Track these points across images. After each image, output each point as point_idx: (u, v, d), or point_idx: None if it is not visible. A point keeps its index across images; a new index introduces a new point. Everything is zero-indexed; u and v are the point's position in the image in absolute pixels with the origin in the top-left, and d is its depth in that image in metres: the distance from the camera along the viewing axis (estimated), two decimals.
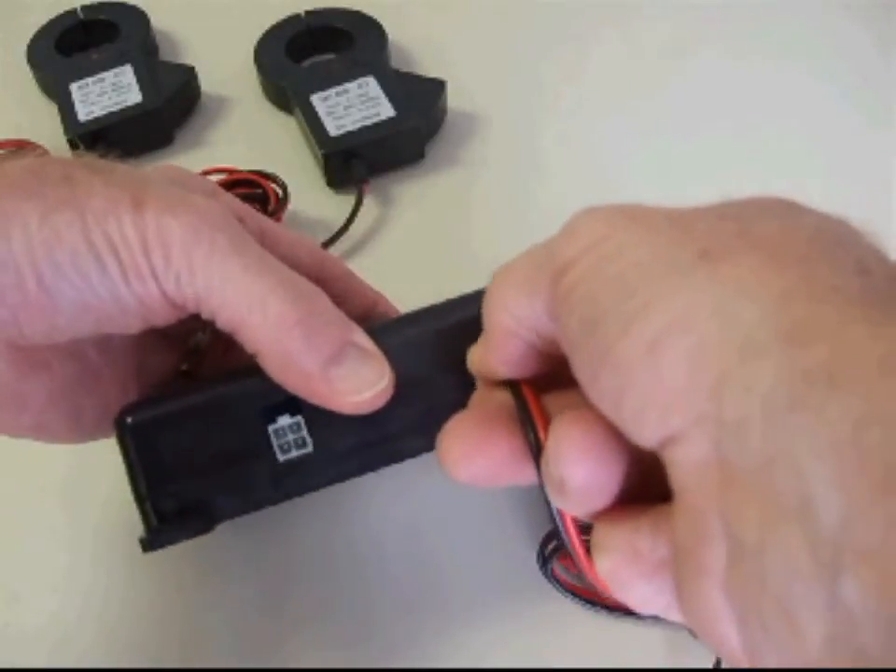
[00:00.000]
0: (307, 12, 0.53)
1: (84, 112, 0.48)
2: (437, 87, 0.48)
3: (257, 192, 0.44)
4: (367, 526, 0.34)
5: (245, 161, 0.45)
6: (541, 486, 0.20)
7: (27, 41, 0.54)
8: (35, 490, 0.36)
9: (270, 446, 0.26)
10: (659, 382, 0.16)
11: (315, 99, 0.47)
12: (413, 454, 0.26)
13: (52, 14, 0.55)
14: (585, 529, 0.20)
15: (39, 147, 0.47)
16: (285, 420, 0.26)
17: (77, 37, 0.54)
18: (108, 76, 0.50)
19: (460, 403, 0.24)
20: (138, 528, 0.26)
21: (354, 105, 0.46)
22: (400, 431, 0.26)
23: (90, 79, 0.50)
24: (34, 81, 0.54)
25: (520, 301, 0.20)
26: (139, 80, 0.49)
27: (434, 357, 0.25)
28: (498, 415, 0.21)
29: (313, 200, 0.46)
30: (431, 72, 0.49)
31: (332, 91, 0.47)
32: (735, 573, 0.15)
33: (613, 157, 0.46)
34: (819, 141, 0.45)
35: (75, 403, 0.27)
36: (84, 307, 0.23)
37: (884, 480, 0.13)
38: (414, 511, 0.34)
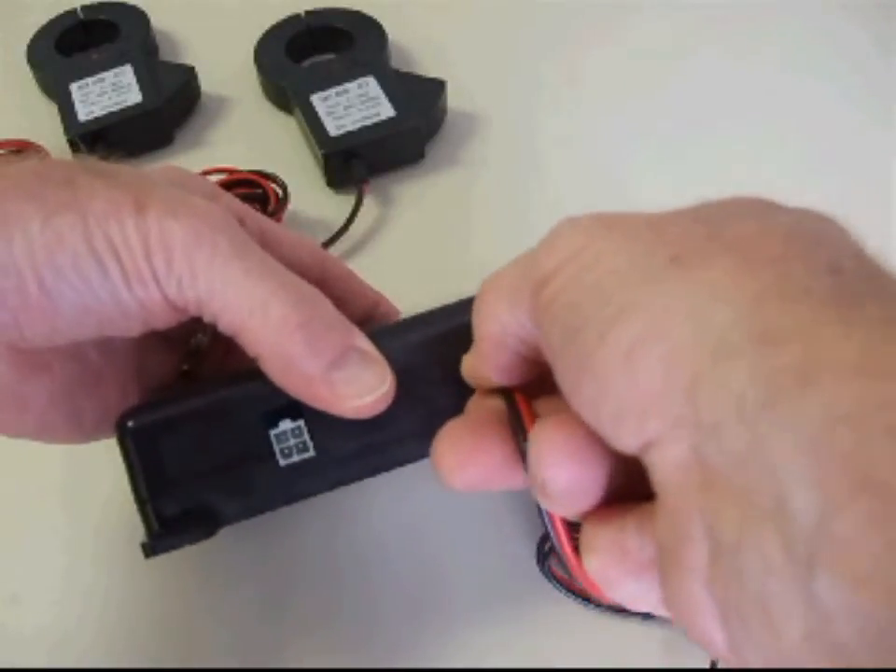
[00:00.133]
0: (307, 12, 0.53)
1: (84, 112, 0.48)
2: (437, 87, 0.48)
3: (257, 192, 0.44)
4: (367, 529, 0.34)
5: (245, 161, 0.45)
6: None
7: (27, 41, 0.54)
8: (35, 491, 0.36)
9: (271, 450, 0.26)
10: (635, 388, 0.16)
11: (315, 99, 0.47)
12: (415, 458, 0.26)
13: (52, 14, 0.55)
14: (576, 528, 0.20)
15: (39, 147, 0.47)
16: (286, 424, 0.26)
17: (77, 37, 0.54)
18: (108, 76, 0.50)
19: (461, 408, 0.24)
20: (139, 530, 0.26)
21: (354, 105, 0.46)
22: (402, 435, 0.26)
23: (90, 79, 0.50)
24: (34, 81, 0.54)
25: (505, 310, 0.21)
26: (139, 80, 0.49)
27: (435, 361, 0.25)
28: (490, 422, 0.22)
29: (313, 200, 0.46)
30: (431, 72, 0.49)
31: (332, 91, 0.47)
32: (716, 571, 0.16)
33: (613, 157, 0.46)
34: (819, 141, 0.45)
35: (75, 404, 0.27)
36: (85, 310, 0.23)
37: (857, 478, 0.13)
38: (414, 513, 0.34)
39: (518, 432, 0.21)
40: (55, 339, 0.24)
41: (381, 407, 0.25)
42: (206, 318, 0.24)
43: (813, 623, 0.14)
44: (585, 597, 0.31)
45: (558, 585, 0.31)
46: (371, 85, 0.47)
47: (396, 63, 0.51)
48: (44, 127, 0.49)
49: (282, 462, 0.26)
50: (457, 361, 0.24)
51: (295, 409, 0.25)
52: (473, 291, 0.26)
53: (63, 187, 0.23)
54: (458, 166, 0.47)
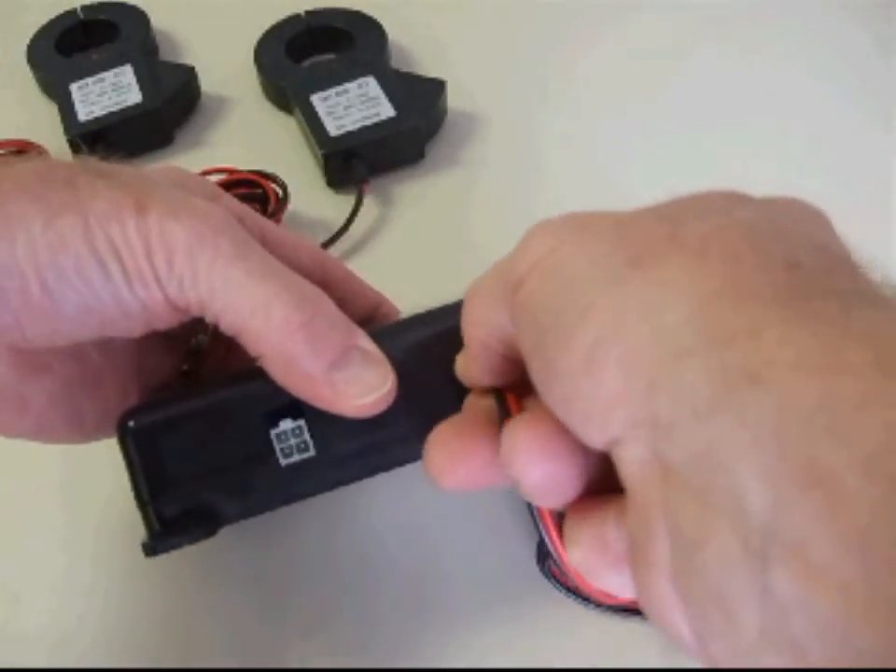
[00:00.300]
0: (307, 12, 0.53)
1: (84, 112, 0.48)
2: (437, 87, 0.48)
3: (257, 192, 0.44)
4: (367, 529, 0.34)
5: (245, 161, 0.45)
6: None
7: (27, 41, 0.54)
8: (35, 491, 0.36)
9: (272, 450, 0.26)
10: (598, 389, 0.17)
11: (315, 99, 0.47)
12: (416, 457, 0.26)
13: (52, 14, 0.55)
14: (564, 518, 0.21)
15: (40, 147, 0.47)
16: (287, 424, 0.26)
17: (76, 37, 0.54)
18: (108, 76, 0.50)
19: (461, 408, 0.24)
20: (139, 529, 0.26)
21: (354, 105, 0.46)
22: (402, 435, 0.26)
23: (90, 79, 0.50)
24: (34, 81, 0.54)
25: (487, 314, 0.21)
26: (139, 80, 0.49)
27: (436, 360, 0.25)
28: (479, 422, 0.22)
29: (313, 200, 0.46)
30: (431, 72, 0.49)
31: (332, 90, 0.47)
32: (678, 566, 0.16)
33: (613, 157, 0.46)
34: (819, 141, 0.45)
35: (75, 404, 0.27)
36: (87, 311, 0.23)
37: (807, 472, 0.14)
38: (414, 513, 0.34)
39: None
40: (56, 340, 0.24)
41: (382, 406, 0.25)
42: (208, 318, 0.24)
43: (768, 616, 0.14)
44: (585, 597, 0.31)
45: (558, 585, 0.31)
46: (370, 85, 0.47)
47: (396, 63, 0.51)
48: (44, 127, 0.49)
49: (282, 462, 0.26)
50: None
51: (296, 408, 0.25)
52: None
53: (64, 188, 0.23)
54: (458, 166, 0.47)
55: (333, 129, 0.45)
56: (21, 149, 0.47)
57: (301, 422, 0.26)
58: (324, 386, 0.24)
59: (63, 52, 0.53)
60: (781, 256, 0.17)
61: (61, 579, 0.34)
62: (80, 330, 0.24)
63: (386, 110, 0.46)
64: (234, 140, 0.50)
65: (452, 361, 0.24)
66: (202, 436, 0.26)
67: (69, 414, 0.27)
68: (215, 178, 0.43)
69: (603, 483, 0.19)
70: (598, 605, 0.31)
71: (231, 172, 0.44)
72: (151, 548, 0.26)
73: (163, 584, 0.33)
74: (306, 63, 0.52)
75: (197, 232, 0.23)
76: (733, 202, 0.19)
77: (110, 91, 0.49)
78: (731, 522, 0.15)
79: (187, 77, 0.51)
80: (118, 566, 0.33)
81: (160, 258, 0.23)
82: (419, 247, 0.44)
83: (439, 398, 0.25)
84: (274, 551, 0.33)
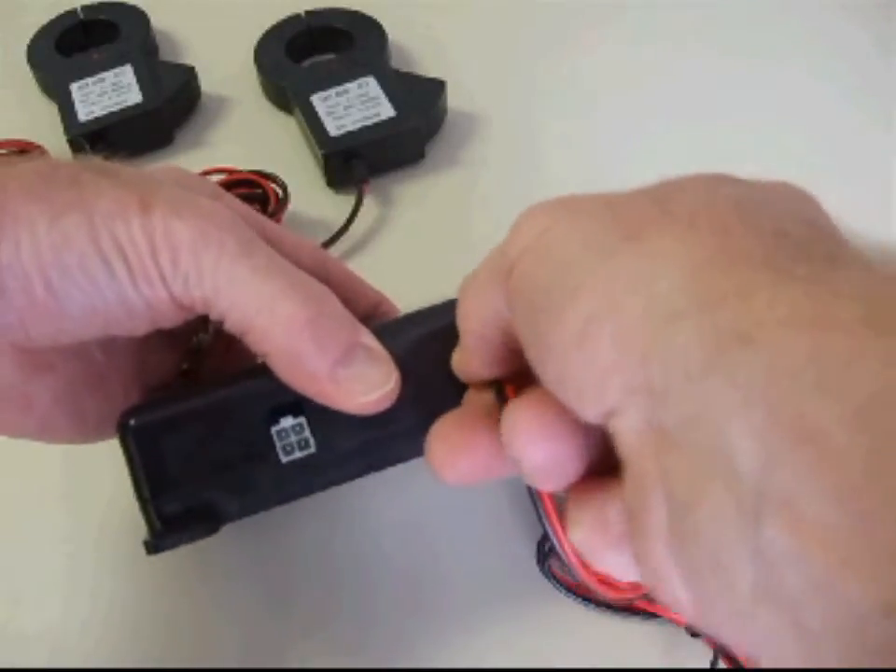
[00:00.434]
0: (307, 12, 0.53)
1: (84, 112, 0.48)
2: (437, 87, 0.48)
3: (257, 192, 0.44)
4: (367, 528, 0.34)
5: (245, 161, 0.45)
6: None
7: (27, 41, 0.54)
8: (36, 491, 0.36)
9: (273, 448, 0.26)
10: (592, 364, 0.17)
11: (315, 99, 0.47)
12: (417, 454, 0.26)
13: (52, 14, 0.55)
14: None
15: (40, 147, 0.47)
16: (288, 421, 0.26)
17: (76, 37, 0.54)
18: (108, 76, 0.50)
19: (461, 404, 0.24)
20: (141, 529, 0.26)
21: (354, 105, 0.46)
22: (403, 432, 0.26)
23: (90, 79, 0.50)
24: (34, 81, 0.54)
25: (483, 303, 0.21)
26: (139, 80, 0.49)
27: (437, 357, 0.25)
28: (479, 415, 0.22)
29: (313, 200, 0.46)
30: (431, 72, 0.49)
31: (332, 91, 0.47)
32: (675, 531, 0.16)
33: (613, 157, 0.46)
34: (819, 141, 0.45)
35: (79, 404, 0.27)
36: (92, 310, 0.23)
37: (797, 429, 0.14)
38: (414, 512, 0.34)
39: None
40: (61, 339, 0.24)
41: (386, 404, 0.25)
42: (213, 317, 0.24)
43: (762, 573, 0.14)
44: (585, 597, 0.31)
45: (558, 585, 0.31)
46: (370, 85, 0.47)
47: (396, 63, 0.51)
48: (44, 127, 0.49)
49: (283, 459, 0.26)
50: None
51: (296, 406, 0.25)
52: None
53: (68, 187, 0.23)
54: (458, 166, 0.47)
55: (333, 129, 0.45)
56: (22, 150, 0.47)
57: (302, 419, 0.26)
58: (329, 384, 0.24)
59: (63, 52, 0.53)
60: (769, 227, 0.17)
61: (61, 579, 0.34)
62: (85, 329, 0.24)
63: (386, 110, 0.46)
64: (234, 140, 0.50)
65: (452, 357, 0.24)
66: (202, 434, 0.26)
67: (73, 413, 0.27)
68: (215, 178, 0.43)
69: (604, 465, 0.19)
70: (598, 605, 0.31)
71: (231, 172, 0.44)
72: (153, 546, 0.26)
73: (165, 585, 0.33)
74: (306, 63, 0.52)
75: (202, 230, 0.23)
76: (721, 180, 0.19)
77: (110, 91, 0.49)
78: (724, 482, 0.15)
79: (187, 77, 0.51)
80: (119, 566, 0.33)
81: (164, 256, 0.23)
82: (419, 247, 0.44)
83: (439, 394, 0.25)
84: (275, 549, 0.33)
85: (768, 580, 0.14)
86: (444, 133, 0.48)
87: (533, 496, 0.21)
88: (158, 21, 0.55)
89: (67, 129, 0.48)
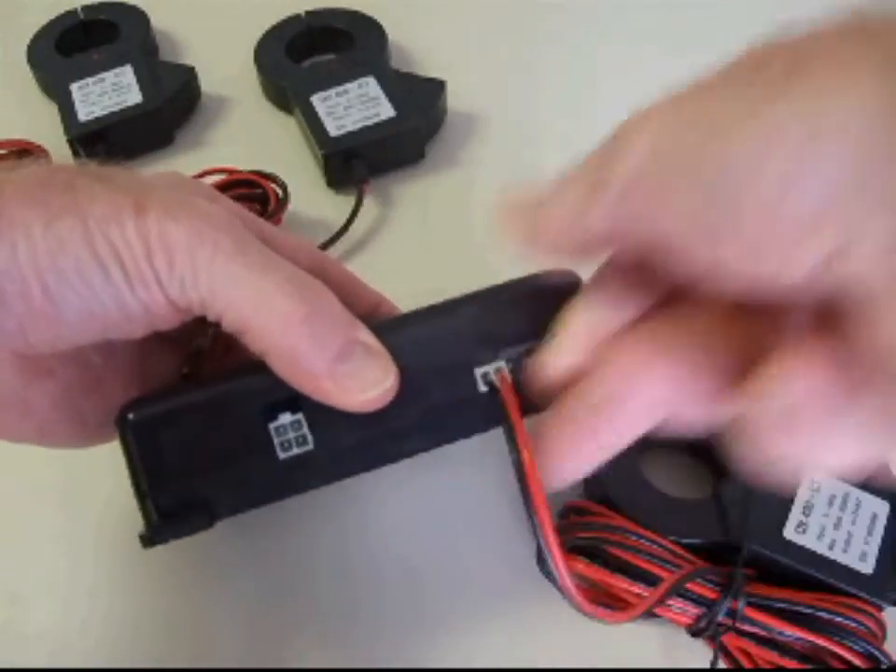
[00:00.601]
0: (307, 12, 0.53)
1: (84, 112, 0.48)
2: (437, 87, 0.48)
3: (257, 192, 0.44)
4: (366, 524, 0.34)
5: (244, 161, 0.45)
6: (526, 505, 0.21)
7: (27, 41, 0.54)
8: (35, 490, 0.36)
9: (270, 444, 0.26)
10: (802, 206, 0.16)
11: (315, 99, 0.47)
12: (414, 452, 0.26)
13: (52, 14, 0.55)
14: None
15: (40, 147, 0.47)
16: (286, 418, 0.26)
17: (76, 37, 0.54)
18: (108, 76, 0.50)
19: (461, 402, 0.24)
20: (139, 528, 0.26)
21: (354, 106, 0.46)
22: (402, 430, 0.26)
23: (90, 79, 0.50)
24: (34, 81, 0.54)
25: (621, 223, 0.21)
26: (139, 80, 0.49)
27: (436, 355, 0.25)
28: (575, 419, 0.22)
29: (313, 200, 0.46)
30: (431, 72, 0.49)
31: (332, 91, 0.47)
32: None
33: None
34: None
35: (78, 408, 0.27)
36: (89, 315, 0.23)
37: None
38: (414, 512, 0.34)
39: (511, 445, 0.22)
40: (59, 345, 0.24)
41: (385, 401, 0.25)
42: (211, 317, 0.24)
43: None
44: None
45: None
46: (370, 85, 0.47)
47: (396, 63, 0.51)
48: (44, 127, 0.49)
49: (281, 455, 0.26)
50: (457, 355, 0.25)
51: (295, 402, 0.25)
52: (473, 291, 0.26)
53: (63, 191, 0.23)
54: (458, 166, 0.47)
55: (333, 129, 0.46)
56: (22, 150, 0.47)
57: (300, 415, 0.26)
58: (327, 380, 0.24)
59: (63, 52, 0.53)
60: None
61: (60, 579, 0.34)
62: (83, 334, 0.24)
63: (386, 110, 0.46)
64: (234, 140, 0.50)
65: (451, 356, 0.24)
66: (200, 429, 0.26)
67: (72, 418, 0.27)
68: (215, 178, 0.44)
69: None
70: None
71: (230, 172, 0.44)
72: (149, 539, 0.26)
73: (163, 582, 0.33)
74: (306, 64, 0.52)
75: (197, 231, 0.23)
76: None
77: (110, 91, 0.49)
78: None
79: (187, 76, 0.51)
80: (118, 565, 0.33)
81: (160, 258, 0.23)
82: (419, 247, 0.44)
83: (439, 392, 0.25)
84: (273, 544, 0.33)
85: None
86: (444, 133, 0.48)
87: (533, 521, 0.21)
88: (158, 21, 0.55)
89: (67, 129, 0.48)
